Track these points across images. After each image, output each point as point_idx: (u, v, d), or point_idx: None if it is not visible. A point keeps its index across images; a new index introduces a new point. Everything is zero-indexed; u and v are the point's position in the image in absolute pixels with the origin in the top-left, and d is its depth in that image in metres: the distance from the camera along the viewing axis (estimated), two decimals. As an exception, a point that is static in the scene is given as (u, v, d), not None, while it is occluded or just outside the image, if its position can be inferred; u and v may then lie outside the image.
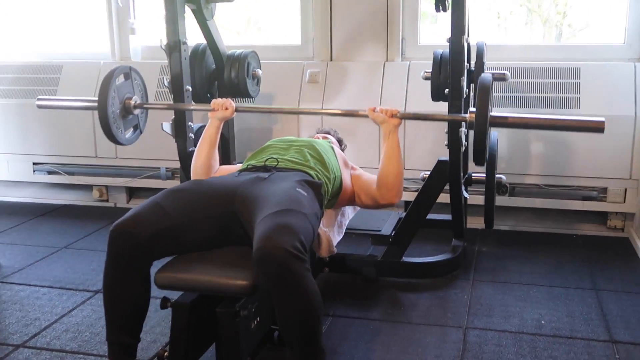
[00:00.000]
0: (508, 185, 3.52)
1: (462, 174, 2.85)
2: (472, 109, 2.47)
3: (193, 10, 3.03)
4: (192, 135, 3.03)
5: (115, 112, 2.74)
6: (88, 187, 4.18)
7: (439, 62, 3.00)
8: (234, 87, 3.28)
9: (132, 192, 4.17)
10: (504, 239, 3.46)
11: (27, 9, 4.45)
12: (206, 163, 2.61)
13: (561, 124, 2.51)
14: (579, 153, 3.40)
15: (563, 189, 3.49)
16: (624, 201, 3.40)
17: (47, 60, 4.16)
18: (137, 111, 2.87)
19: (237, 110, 2.71)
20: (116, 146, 3.97)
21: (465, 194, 2.96)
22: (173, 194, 2.07)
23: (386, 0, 3.65)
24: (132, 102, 2.83)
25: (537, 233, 3.55)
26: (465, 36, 2.64)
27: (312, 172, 2.28)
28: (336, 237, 2.61)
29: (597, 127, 2.35)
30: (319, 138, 2.87)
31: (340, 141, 3.00)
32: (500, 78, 3.10)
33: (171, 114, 3.02)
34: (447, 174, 2.79)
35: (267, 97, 3.75)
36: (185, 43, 2.94)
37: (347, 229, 2.85)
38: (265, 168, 2.28)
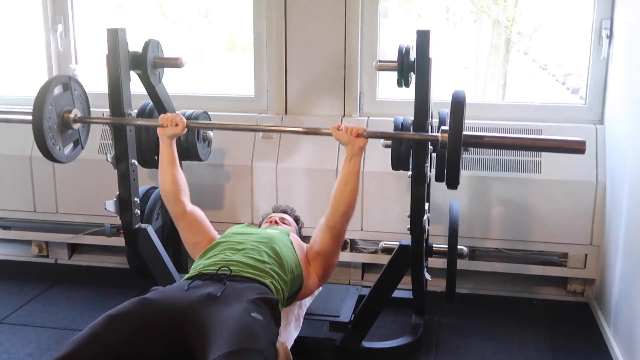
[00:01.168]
0: (467, 249, 3.44)
1: (424, 257, 2.73)
2: (444, 127, 2.34)
3: (139, 75, 2.82)
4: (137, 211, 2.82)
5: (52, 127, 2.52)
6: (27, 242, 3.92)
7: (399, 129, 2.88)
8: (184, 151, 3.08)
9: (75, 248, 3.93)
10: (463, 305, 3.35)
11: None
12: (173, 186, 2.52)
13: (541, 145, 2.43)
14: (540, 218, 3.32)
15: (524, 253, 3.41)
16: (584, 267, 3.34)
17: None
18: (76, 125, 2.65)
19: (188, 126, 2.56)
20: (57, 200, 3.75)
21: (427, 276, 2.84)
22: (114, 320, 1.88)
23: (343, 53, 3.50)
24: (72, 116, 2.61)
25: (497, 297, 3.47)
26: (430, 120, 2.52)
27: (268, 281, 2.12)
28: (293, 333, 2.47)
29: (577, 148, 2.26)
30: (274, 219, 2.71)
31: (297, 220, 2.84)
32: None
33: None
34: (409, 259, 2.67)
35: (218, 153, 3.55)
36: (130, 114, 2.73)
37: (305, 313, 2.71)
38: (216, 277, 2.10)
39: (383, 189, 3.40)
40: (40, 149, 2.51)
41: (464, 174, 3.28)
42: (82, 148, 2.77)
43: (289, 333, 2.42)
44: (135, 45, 2.77)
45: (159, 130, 2.54)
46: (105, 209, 2.73)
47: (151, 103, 3.05)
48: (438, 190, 3.28)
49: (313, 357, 2.77)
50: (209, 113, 3.47)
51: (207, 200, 3.63)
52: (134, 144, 2.80)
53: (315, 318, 2.74)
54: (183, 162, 3.20)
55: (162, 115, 2.55)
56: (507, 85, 4.01)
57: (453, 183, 2.23)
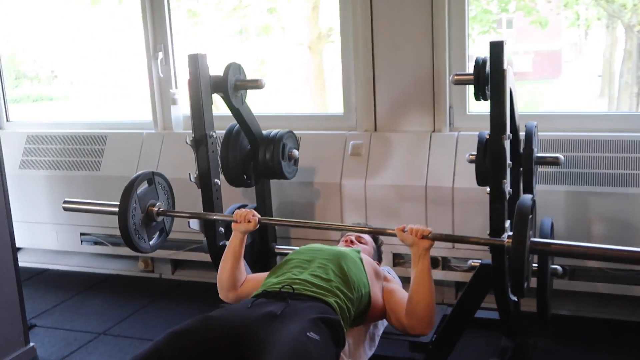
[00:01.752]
0: (567, 268, 3.25)
1: (507, 278, 2.60)
2: (509, 232, 2.24)
3: (222, 98, 2.92)
4: (222, 229, 2.91)
5: (137, 223, 2.66)
6: (134, 258, 4.14)
7: (484, 146, 2.78)
8: (269, 169, 3.15)
9: (177, 264, 4.10)
10: (562, 328, 3.17)
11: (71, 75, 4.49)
12: (231, 277, 2.51)
13: (614, 255, 2.24)
14: (647, 234, 3.08)
15: (629, 273, 3.17)
16: (700, 289, 3.06)
17: (92, 131, 4.16)
18: (160, 218, 2.77)
19: (260, 222, 2.58)
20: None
21: (513, 297, 2.71)
22: (176, 337, 1.94)
23: (432, 67, 3.44)
24: (155, 209, 2.74)
25: (600, 320, 3.24)
26: (507, 134, 2.41)
27: (332, 300, 2.11)
28: (368, 353, 2.43)
29: None
30: (351, 237, 2.69)
31: (375, 238, 2.81)
32: (553, 162, 2.84)
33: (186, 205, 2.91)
34: (490, 279, 2.56)
35: (308, 171, 3.60)
36: (212, 136, 2.83)
37: (385, 332, 2.66)
38: (279, 296, 2.12)
39: (474, 205, 3.28)
40: (127, 245, 2.68)
41: (560, 189, 3.17)
42: (167, 235, 2.90)
43: (363, 353, 2.39)
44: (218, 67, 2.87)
45: (232, 224, 2.58)
46: (190, 227, 2.83)
47: (237, 125, 3.14)
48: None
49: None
50: (298, 132, 3.55)
51: (298, 217, 3.67)
52: (217, 164, 2.88)
53: (395, 338, 2.68)
54: (271, 180, 3.30)
55: (237, 211, 2.60)
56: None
57: (519, 292, 2.14)
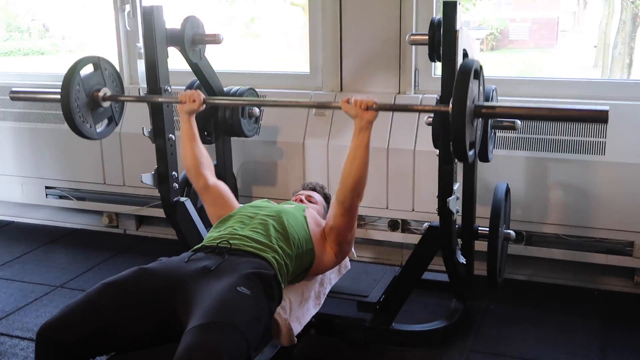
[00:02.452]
0: (524, 233, 3.27)
1: (455, 240, 2.61)
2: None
3: (179, 51, 2.88)
4: (175, 185, 2.89)
5: (81, 106, 2.64)
6: (99, 213, 4.13)
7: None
8: (228, 127, 3.14)
9: (142, 220, 4.09)
10: (517, 292, 3.20)
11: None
12: (194, 161, 2.55)
13: (558, 114, 2.28)
14: (604, 203, 3.08)
15: (585, 240, 3.18)
16: (654, 257, 3.08)
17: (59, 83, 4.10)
18: (106, 103, 2.76)
19: (205, 102, 2.59)
20: (124, 174, 3.92)
21: (462, 259, 2.72)
22: (109, 287, 1.94)
23: (399, 29, 3.38)
24: (101, 94, 2.72)
25: (556, 285, 3.27)
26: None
27: (268, 255, 2.11)
28: (311, 311, 2.44)
29: (599, 117, 2.08)
30: (302, 196, 2.68)
31: (327, 198, 2.80)
32: (510, 127, 2.82)
33: (152, 163, 2.89)
34: (438, 241, 2.56)
35: (272, 130, 3.58)
36: (167, 90, 2.79)
37: (332, 291, 2.68)
38: (217, 250, 2.12)
39: (433, 168, 3.27)
40: (70, 126, 2.64)
41: (520, 154, 3.16)
42: (117, 124, 2.88)
43: (306, 310, 2.39)
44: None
45: (178, 106, 2.58)
46: (142, 181, 2.81)
47: (197, 81, 3.10)
48: (492, 171, 3.15)
49: (342, 336, 2.74)
50: (264, 90, 3.52)
51: (260, 177, 3.67)
52: (172, 119, 2.85)
53: (343, 297, 2.71)
54: (232, 137, 3.27)
55: (182, 92, 2.58)
56: (632, 63, 3.78)
57: (459, 155, 2.10)
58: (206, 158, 2.57)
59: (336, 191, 2.33)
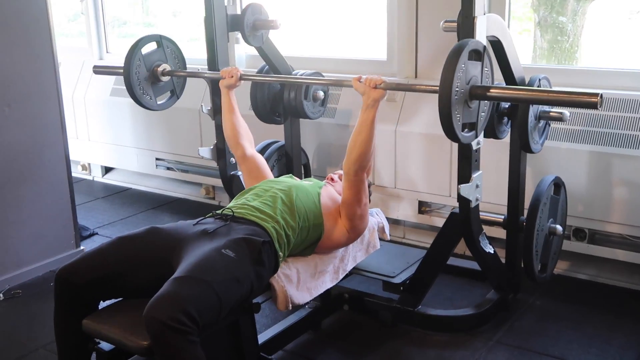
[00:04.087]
0: (587, 231, 3.14)
1: (476, 229, 2.60)
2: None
3: (241, 35, 3.10)
4: (232, 159, 3.13)
5: (141, 80, 2.98)
6: (198, 185, 4.51)
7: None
8: (292, 109, 3.31)
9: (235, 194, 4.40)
10: (572, 291, 3.09)
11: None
12: (232, 131, 2.79)
13: (549, 98, 2.22)
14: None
15: (651, 242, 3.00)
16: None
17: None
18: (165, 78, 3.06)
19: (242, 78, 2.80)
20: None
21: (489, 249, 2.69)
22: (121, 241, 2.20)
23: (473, 16, 3.36)
24: (160, 69, 3.04)
25: (617, 288, 3.10)
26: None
27: (268, 225, 2.26)
28: (327, 284, 2.56)
29: (588, 102, 2.02)
30: (333, 175, 2.80)
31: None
32: (557, 118, 2.74)
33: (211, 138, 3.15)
34: (458, 228, 2.58)
35: (346, 114, 3.71)
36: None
37: (360, 269, 2.78)
38: (223, 217, 2.32)
39: (497, 158, 3.23)
40: (132, 97, 2.96)
41: (582, 148, 3.04)
42: (178, 98, 3.20)
43: (321, 282, 2.51)
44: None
45: (219, 82, 2.80)
46: (200, 155, 3.08)
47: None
48: (552, 165, 3.07)
49: (372, 314, 2.84)
50: (342, 75, 3.66)
51: (334, 158, 3.81)
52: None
53: (370, 275, 2.79)
54: (307, 120, 3.45)
55: (223, 69, 2.80)
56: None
57: (449, 135, 2.11)
58: (244, 130, 2.78)
59: (343, 163, 2.43)
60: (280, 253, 2.28)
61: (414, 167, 3.54)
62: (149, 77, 3.02)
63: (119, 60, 4.68)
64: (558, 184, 2.86)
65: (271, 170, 3.38)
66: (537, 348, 2.63)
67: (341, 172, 2.82)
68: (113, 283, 2.13)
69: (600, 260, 3.18)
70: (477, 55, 2.18)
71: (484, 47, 2.20)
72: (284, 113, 3.39)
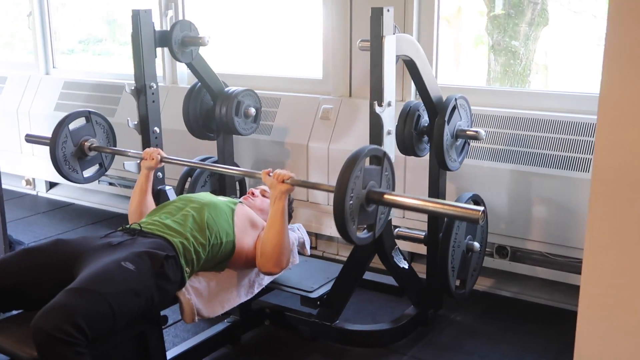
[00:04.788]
0: (508, 248, 3.20)
1: (388, 244, 2.64)
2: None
3: (169, 51, 3.14)
4: (160, 174, 3.15)
5: (67, 155, 2.98)
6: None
7: (405, 115, 2.82)
8: (224, 124, 3.35)
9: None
10: (495, 307, 3.13)
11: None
12: (137, 210, 2.75)
13: (435, 209, 2.24)
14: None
15: (569, 260, 3.06)
16: None
17: (115, 81, 4.52)
18: (93, 153, 3.06)
19: (162, 160, 2.80)
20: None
21: (403, 264, 2.74)
22: (25, 252, 2.22)
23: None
24: (88, 144, 3.05)
25: (538, 305, 3.15)
26: (385, 102, 2.42)
27: (175, 240, 2.28)
28: (242, 297, 2.58)
29: (471, 218, 2.07)
30: (254, 190, 2.83)
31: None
32: (473, 137, 2.81)
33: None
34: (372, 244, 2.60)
35: (282, 131, 3.75)
36: (152, 86, 3.06)
37: (279, 283, 2.80)
38: (131, 231, 2.33)
39: (422, 170, 3.28)
40: (58, 173, 3.06)
41: (504, 167, 3.11)
42: (106, 170, 3.26)
43: (235, 296, 2.53)
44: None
45: (141, 161, 2.83)
46: (125, 169, 3.09)
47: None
48: (473, 183, 3.13)
49: (292, 329, 2.85)
50: (279, 93, 3.72)
51: (271, 175, 3.84)
52: (157, 113, 3.13)
53: (288, 290, 2.81)
54: (250, 136, 3.49)
55: (146, 149, 2.85)
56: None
57: (344, 237, 2.17)
58: (149, 209, 2.74)
59: (256, 257, 2.49)
60: (187, 269, 2.29)
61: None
62: (75, 152, 3.06)
63: (64, 76, 4.77)
64: (477, 202, 2.91)
65: (203, 186, 3.44)
66: (451, 364, 2.66)
67: (263, 187, 2.86)
68: (13, 295, 2.13)
69: (523, 277, 3.23)
70: (377, 160, 2.25)
71: (384, 152, 2.27)
72: (216, 129, 3.42)
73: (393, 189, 2.35)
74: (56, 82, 4.77)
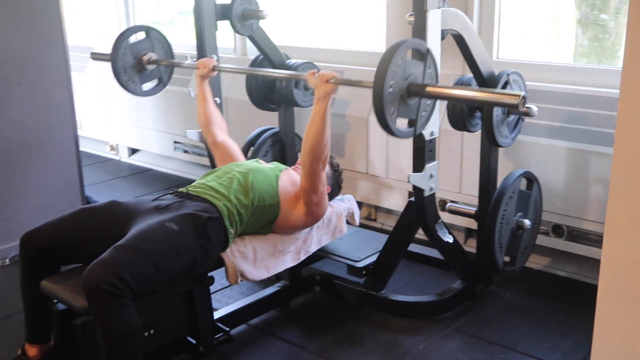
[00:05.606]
0: (565, 227, 3.14)
1: (430, 216, 2.66)
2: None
3: (230, 24, 3.24)
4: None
5: (127, 67, 3.18)
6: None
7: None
8: (283, 97, 3.43)
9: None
10: (549, 287, 3.10)
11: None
12: (204, 119, 2.95)
13: (474, 98, 2.29)
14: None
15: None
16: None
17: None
18: (151, 66, 3.25)
19: (214, 68, 2.95)
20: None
21: (447, 238, 2.75)
22: (82, 211, 2.40)
23: (464, 8, 3.39)
24: (146, 58, 3.24)
25: (595, 287, 3.07)
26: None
27: (219, 203, 2.40)
28: (287, 263, 2.67)
29: (509, 102, 2.11)
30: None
31: (333, 166, 2.95)
32: (524, 113, 2.76)
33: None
34: (414, 216, 2.64)
35: (343, 103, 3.80)
36: (212, 58, 3.17)
37: (327, 252, 2.89)
38: (179, 194, 2.47)
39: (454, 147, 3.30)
40: (119, 83, 3.21)
41: (562, 144, 3.04)
42: (165, 85, 3.41)
43: (281, 262, 2.62)
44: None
45: (195, 72, 2.95)
46: (187, 137, 3.25)
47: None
48: (530, 160, 3.09)
49: (340, 298, 2.94)
50: (342, 66, 3.77)
51: (333, 147, 3.88)
52: (217, 83, 3.24)
53: (336, 259, 2.89)
54: (288, 106, 3.57)
55: (200, 59, 2.96)
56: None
57: (384, 128, 2.18)
58: (216, 118, 2.92)
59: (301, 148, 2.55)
60: (231, 230, 2.41)
61: (405, 158, 3.60)
62: (135, 64, 3.22)
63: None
64: (530, 179, 2.88)
65: (265, 156, 3.55)
66: (491, 338, 2.67)
67: None
68: (71, 249, 2.31)
69: (580, 257, 3.17)
70: (420, 55, 2.25)
71: (428, 49, 2.26)
72: (277, 101, 3.52)
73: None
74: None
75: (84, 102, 5.00)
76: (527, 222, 2.83)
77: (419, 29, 2.39)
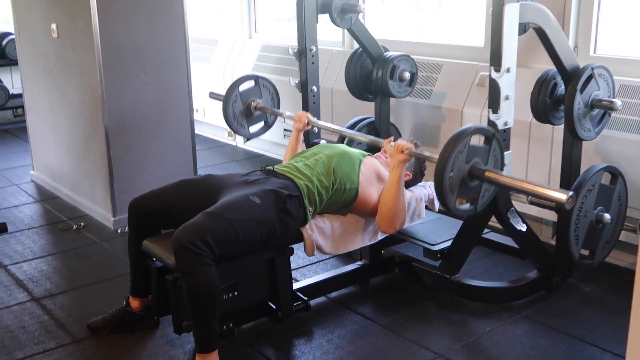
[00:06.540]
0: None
1: (504, 205, 2.74)
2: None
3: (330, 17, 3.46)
4: (315, 129, 3.53)
5: (236, 112, 3.50)
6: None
7: (540, 83, 2.89)
8: (379, 87, 3.62)
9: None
10: (631, 284, 3.05)
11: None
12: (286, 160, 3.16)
13: (523, 188, 2.34)
14: None
15: None
16: None
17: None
18: (257, 112, 3.51)
19: (309, 124, 3.20)
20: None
21: (520, 226, 2.82)
22: (183, 182, 2.71)
23: (563, 5, 3.42)
24: (254, 104, 3.52)
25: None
26: (504, 69, 2.52)
27: (301, 182, 2.62)
28: (364, 241, 2.86)
29: (558, 199, 2.20)
30: (385, 152, 3.07)
31: (419, 160, 3.07)
32: (608, 107, 2.78)
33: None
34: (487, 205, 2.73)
35: (440, 95, 3.92)
36: (312, 49, 3.42)
37: (405, 234, 3.05)
38: (267, 172, 2.72)
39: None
40: (229, 127, 3.62)
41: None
42: (269, 127, 3.76)
43: (359, 240, 2.79)
44: None
45: (293, 124, 3.27)
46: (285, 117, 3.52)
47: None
48: (614, 153, 3.08)
49: (416, 279, 3.09)
50: (441, 59, 3.90)
51: (428, 137, 4.04)
52: (315, 74, 3.48)
53: (414, 241, 3.04)
54: (384, 97, 3.74)
55: (296, 113, 3.28)
56: None
57: (444, 205, 2.39)
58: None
59: (376, 218, 2.78)
60: (310, 208, 2.63)
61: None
62: (243, 110, 3.58)
63: (263, 40, 5.34)
64: (614, 174, 2.88)
65: (360, 144, 3.76)
66: (560, 327, 2.72)
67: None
68: (171, 214, 2.63)
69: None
70: (487, 140, 2.42)
71: (493, 133, 2.41)
72: (374, 91, 3.71)
73: (501, 169, 2.48)
74: (255, 46, 5.37)
75: (207, 91, 5.42)
76: (607, 216, 2.83)
77: (496, 21, 2.49)
